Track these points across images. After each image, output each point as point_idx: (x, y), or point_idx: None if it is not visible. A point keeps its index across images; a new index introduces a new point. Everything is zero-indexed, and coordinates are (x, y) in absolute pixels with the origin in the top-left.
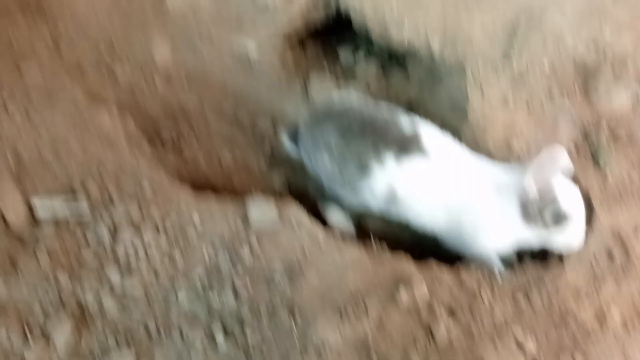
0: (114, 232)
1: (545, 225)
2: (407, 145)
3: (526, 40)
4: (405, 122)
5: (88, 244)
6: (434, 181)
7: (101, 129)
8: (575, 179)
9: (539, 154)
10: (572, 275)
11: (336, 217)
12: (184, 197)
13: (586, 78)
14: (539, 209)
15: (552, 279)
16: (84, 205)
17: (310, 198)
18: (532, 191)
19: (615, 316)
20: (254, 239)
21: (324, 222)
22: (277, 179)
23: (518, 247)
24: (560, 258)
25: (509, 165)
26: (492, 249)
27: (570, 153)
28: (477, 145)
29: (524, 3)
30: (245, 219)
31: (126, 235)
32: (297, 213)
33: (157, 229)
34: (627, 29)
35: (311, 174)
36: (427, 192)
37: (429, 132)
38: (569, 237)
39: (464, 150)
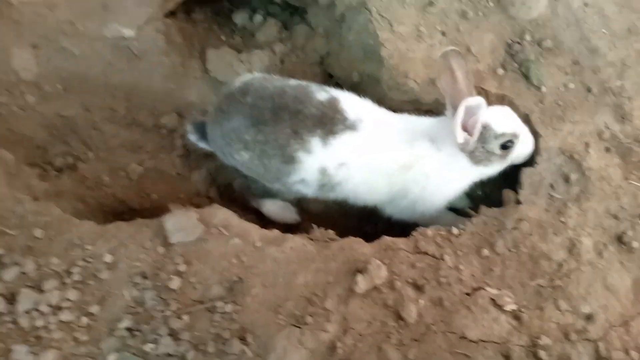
0: (12, 301)
1: (499, 158)
2: (331, 125)
3: None
4: (322, 96)
5: None
6: (368, 154)
7: None
8: (511, 103)
9: (459, 108)
10: (533, 211)
11: (273, 208)
12: (89, 234)
13: None
14: (485, 150)
15: (513, 220)
16: None
17: (239, 193)
18: (469, 140)
19: (587, 245)
20: (181, 264)
21: (261, 216)
22: (199, 181)
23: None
24: (515, 194)
25: (434, 118)
26: (444, 201)
27: (499, 77)
28: (400, 90)
29: None
30: (166, 242)
31: (27, 300)
32: (223, 217)
33: (64, 284)
34: None
35: (232, 168)
36: (363, 167)
37: (348, 103)
38: (522, 150)
39: (388, 113)
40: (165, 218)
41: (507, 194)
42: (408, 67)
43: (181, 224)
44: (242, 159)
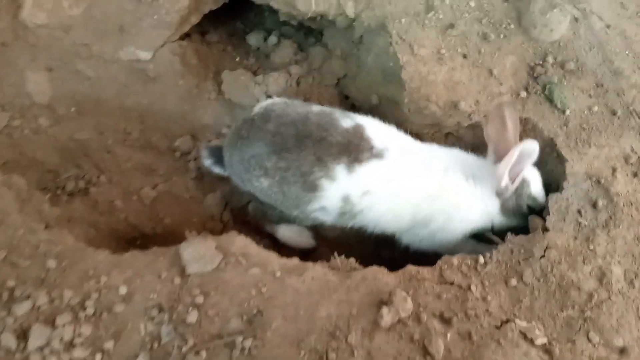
0: (23, 336)
1: (522, 217)
2: (357, 152)
3: None
4: (347, 124)
5: None
6: (394, 181)
7: None
8: (534, 127)
9: (512, 151)
10: (561, 239)
11: (288, 233)
12: (103, 264)
13: (519, 11)
14: (517, 203)
15: (541, 248)
16: None
17: (255, 219)
18: (509, 187)
19: (618, 274)
20: (199, 296)
21: (276, 241)
22: (213, 205)
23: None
24: (542, 221)
25: (470, 155)
26: (463, 234)
27: (522, 100)
28: (421, 114)
29: None
30: (183, 273)
31: (39, 336)
32: (242, 245)
33: (77, 318)
34: None
35: (246, 191)
36: (388, 195)
37: (374, 130)
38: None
39: (413, 141)
40: (182, 247)
41: (534, 220)
42: (429, 90)
43: (198, 253)
44: (261, 185)
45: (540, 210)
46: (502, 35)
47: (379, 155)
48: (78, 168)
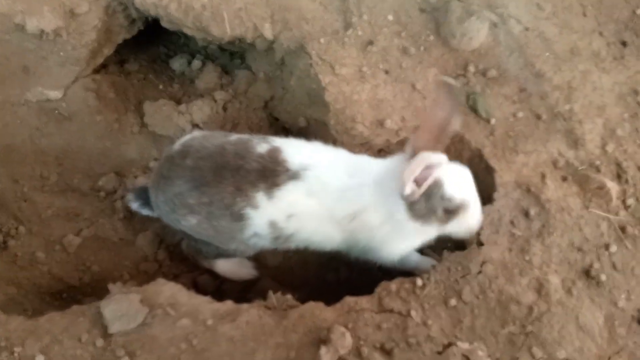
0: None
1: (438, 220)
2: (273, 177)
3: None
4: (262, 149)
5: None
6: (313, 203)
7: None
8: (461, 139)
9: (418, 161)
10: (496, 252)
11: (227, 266)
12: (17, 333)
13: (437, 22)
14: (427, 206)
15: (477, 264)
16: None
17: (190, 256)
18: (415, 191)
19: (555, 284)
20: (124, 357)
21: (215, 275)
22: (146, 244)
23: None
24: (476, 235)
25: (383, 161)
26: (396, 255)
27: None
28: (349, 135)
29: None
30: (105, 333)
31: None
32: (169, 295)
33: None
34: None
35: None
36: (311, 216)
37: (291, 151)
38: (465, 223)
39: (338, 156)
40: (103, 304)
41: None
42: (354, 111)
43: (121, 309)
44: (189, 224)
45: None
46: (422, 48)
47: (295, 176)
48: None
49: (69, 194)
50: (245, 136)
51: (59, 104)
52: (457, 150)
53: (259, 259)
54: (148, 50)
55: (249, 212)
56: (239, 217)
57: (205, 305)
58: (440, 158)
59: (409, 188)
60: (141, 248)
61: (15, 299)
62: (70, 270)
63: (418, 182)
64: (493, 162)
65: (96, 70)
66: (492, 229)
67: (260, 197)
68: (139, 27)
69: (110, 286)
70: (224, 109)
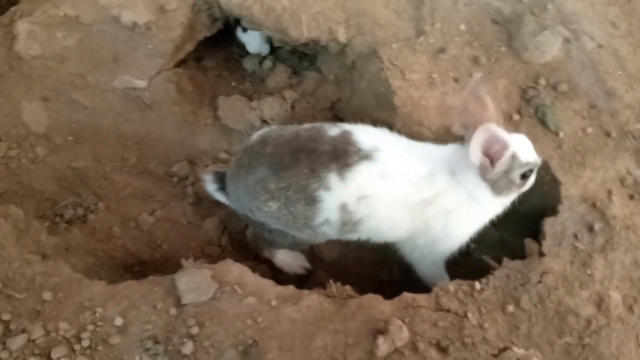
0: None
1: (517, 187)
2: (345, 157)
3: (435, 6)
4: (334, 132)
5: None
6: (387, 184)
7: None
8: None
9: (475, 133)
10: (557, 263)
11: (284, 258)
12: (99, 296)
13: (509, 34)
14: (507, 179)
15: (537, 273)
16: None
17: (253, 244)
18: (488, 167)
19: (616, 299)
20: (194, 327)
21: (273, 268)
22: (211, 229)
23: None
24: (537, 245)
25: (454, 147)
26: (464, 240)
27: (515, 123)
28: (414, 139)
29: None
30: (178, 303)
31: None
32: (237, 274)
33: (73, 351)
34: None
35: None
36: (384, 199)
37: (362, 134)
38: (533, 177)
39: (408, 141)
40: (177, 277)
41: (530, 244)
42: (422, 115)
43: (194, 282)
44: (270, 210)
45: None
46: (493, 58)
47: (367, 156)
48: (76, 196)
49: (145, 176)
50: (317, 123)
51: (142, 92)
52: None
53: (315, 253)
54: (222, 50)
55: (322, 194)
56: (313, 200)
57: (269, 287)
58: (497, 128)
59: (476, 158)
60: (207, 232)
61: (92, 268)
62: (142, 246)
63: (492, 160)
64: (559, 175)
65: (177, 65)
66: (554, 241)
67: (332, 177)
68: (219, 27)
69: (183, 261)
70: (292, 107)
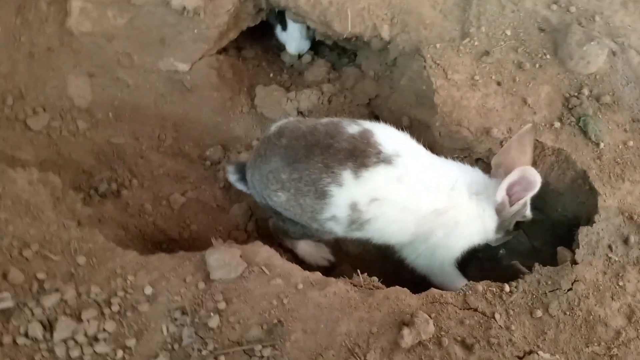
0: (50, 327)
1: (523, 215)
2: (363, 157)
3: (482, 10)
4: (353, 129)
5: (17, 346)
6: (403, 192)
7: (20, 200)
8: (567, 158)
9: (512, 174)
10: (590, 273)
11: (307, 249)
12: (131, 264)
13: (555, 42)
14: (514, 217)
15: (568, 281)
16: (7, 297)
17: (275, 234)
18: (507, 207)
19: None
20: (221, 302)
21: (297, 259)
22: (239, 214)
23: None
24: (570, 253)
25: (476, 171)
26: (460, 251)
27: (556, 130)
28: (452, 138)
29: None
30: (207, 278)
31: (65, 328)
32: (266, 256)
33: (103, 314)
34: None
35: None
36: (395, 205)
37: (384, 135)
38: None
39: (427, 152)
40: (208, 253)
41: (563, 252)
42: (461, 115)
43: (224, 260)
44: (279, 200)
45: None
46: (537, 65)
47: (387, 160)
48: (112, 171)
49: (180, 158)
50: (335, 118)
51: (184, 76)
52: (561, 170)
53: (340, 245)
54: (261, 42)
55: (333, 189)
56: (323, 194)
57: (296, 271)
58: (536, 176)
59: (500, 197)
60: (234, 217)
61: (123, 241)
62: (172, 225)
63: (510, 197)
64: (597, 185)
65: (219, 52)
66: (588, 250)
67: (346, 175)
68: (262, 18)
69: (214, 240)
70: (329, 101)
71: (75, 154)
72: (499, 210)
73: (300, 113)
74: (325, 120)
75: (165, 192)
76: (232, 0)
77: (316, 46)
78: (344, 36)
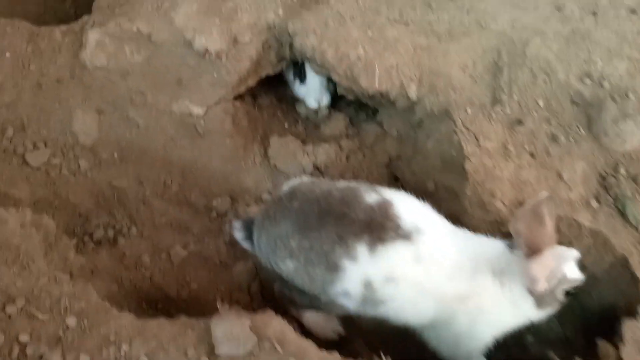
0: None
1: (558, 302)
2: (380, 231)
3: (514, 77)
4: (372, 199)
5: None
6: (422, 270)
7: (9, 245)
8: (606, 241)
9: (545, 253)
10: None
11: (315, 319)
12: (126, 330)
13: (589, 117)
14: (554, 296)
15: None
16: None
17: (280, 300)
18: (544, 286)
19: None
20: None
21: (302, 329)
22: (243, 273)
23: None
24: (614, 349)
25: (500, 249)
26: (489, 341)
27: (593, 210)
28: (483, 209)
29: (501, 35)
30: (211, 352)
31: None
32: (278, 330)
33: None
34: (617, 56)
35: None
36: (413, 286)
37: (404, 208)
38: None
39: (452, 229)
40: (214, 323)
41: (605, 347)
42: (494, 186)
43: (232, 332)
44: (287, 268)
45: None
46: (571, 139)
47: (406, 236)
48: (110, 216)
49: (185, 207)
50: (353, 183)
51: (198, 120)
52: (599, 253)
53: (353, 317)
54: (276, 91)
55: (346, 263)
56: (334, 267)
57: (312, 349)
58: (571, 253)
59: (542, 286)
60: (238, 276)
61: (116, 297)
62: (170, 281)
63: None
64: (638, 272)
65: (235, 98)
66: (635, 347)
67: (361, 249)
68: (282, 67)
69: (219, 304)
70: (347, 157)
71: (73, 195)
72: (533, 292)
73: (316, 168)
74: (342, 184)
75: (165, 244)
76: (256, 46)
77: (334, 100)
78: (369, 92)
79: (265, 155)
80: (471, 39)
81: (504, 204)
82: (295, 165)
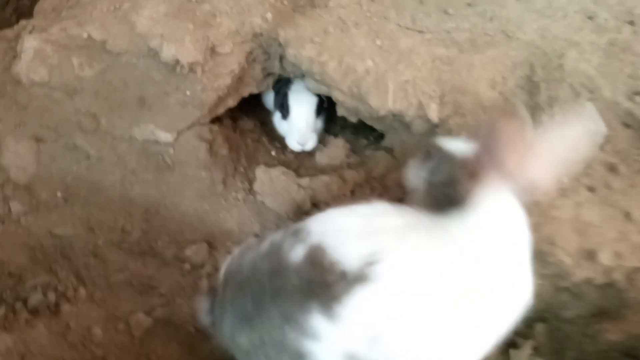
0: None
1: None
2: (325, 289)
3: (554, 94)
4: (297, 253)
5: None
6: (412, 308)
7: None
8: None
9: None
10: None
11: None
12: None
13: None
14: None
15: None
16: None
17: None
18: None
19: None
20: None
21: None
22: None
23: None
24: None
25: None
26: None
27: None
28: (542, 261)
29: (531, 46)
30: None
31: None
32: None
33: None
34: None
35: None
36: (411, 329)
37: (339, 241)
38: None
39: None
40: None
41: None
42: (553, 230)
43: None
44: None
45: None
46: (632, 169)
47: (359, 278)
48: (51, 274)
49: (149, 259)
50: (277, 238)
51: (166, 149)
52: None
53: None
54: (259, 112)
55: (309, 345)
56: (299, 356)
57: None
58: None
59: None
60: (218, 349)
61: None
62: None
63: None
64: None
65: (212, 121)
66: None
67: (316, 322)
68: (268, 84)
69: None
70: (352, 192)
71: (0, 250)
72: None
73: (314, 205)
74: (265, 246)
75: (123, 310)
76: (239, 59)
77: (329, 122)
78: (380, 114)
79: (251, 190)
80: (497, 51)
81: (567, 253)
82: (288, 202)
